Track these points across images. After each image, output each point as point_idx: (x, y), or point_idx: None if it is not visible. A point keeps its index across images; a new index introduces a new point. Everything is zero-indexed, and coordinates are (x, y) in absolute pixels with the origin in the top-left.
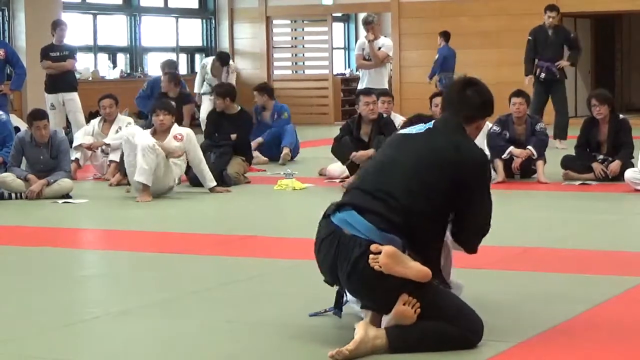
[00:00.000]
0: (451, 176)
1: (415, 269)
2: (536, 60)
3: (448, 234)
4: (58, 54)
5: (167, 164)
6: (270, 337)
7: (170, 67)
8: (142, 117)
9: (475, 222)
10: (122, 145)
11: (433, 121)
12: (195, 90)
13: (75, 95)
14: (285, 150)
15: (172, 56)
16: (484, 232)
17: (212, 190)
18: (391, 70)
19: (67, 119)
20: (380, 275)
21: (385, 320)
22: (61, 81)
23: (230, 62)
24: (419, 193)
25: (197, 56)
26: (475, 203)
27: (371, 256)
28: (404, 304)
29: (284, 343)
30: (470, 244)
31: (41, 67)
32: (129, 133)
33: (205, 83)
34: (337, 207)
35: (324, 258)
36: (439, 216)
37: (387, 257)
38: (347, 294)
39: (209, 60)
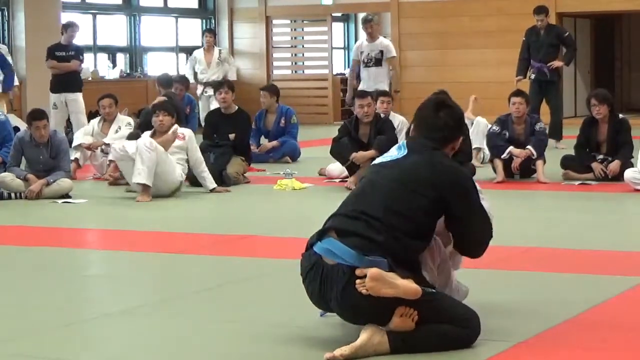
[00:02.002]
0: (429, 195)
1: (403, 287)
2: (531, 61)
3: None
4: (64, 53)
5: (169, 161)
6: (271, 337)
7: (165, 79)
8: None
9: (471, 236)
10: (116, 158)
11: (406, 143)
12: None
13: (79, 96)
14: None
15: (172, 56)
16: (485, 242)
17: (212, 190)
18: (391, 69)
19: (67, 119)
20: (371, 298)
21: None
22: (66, 81)
23: (222, 49)
24: (401, 213)
25: None
26: (465, 218)
27: (357, 281)
28: (401, 316)
29: (284, 343)
30: (472, 254)
31: (44, 67)
32: (119, 149)
33: (198, 85)
34: (319, 236)
35: (312, 290)
36: (422, 234)
37: (372, 279)
38: None
39: (199, 51)
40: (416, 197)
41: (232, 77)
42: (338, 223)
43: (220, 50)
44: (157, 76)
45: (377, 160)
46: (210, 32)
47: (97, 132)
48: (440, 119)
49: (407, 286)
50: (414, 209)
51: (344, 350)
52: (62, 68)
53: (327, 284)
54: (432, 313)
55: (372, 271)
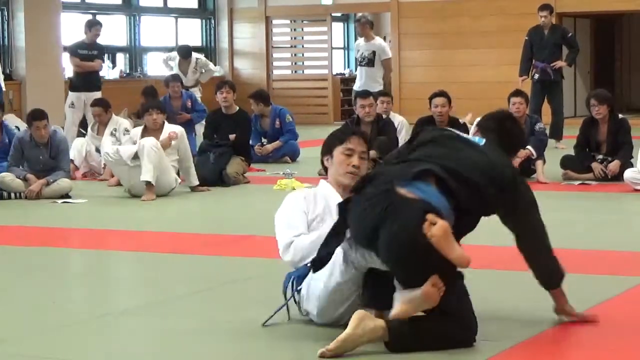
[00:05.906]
0: (499, 189)
1: (459, 252)
2: (534, 61)
3: None
4: (87, 52)
5: (166, 164)
6: (270, 336)
7: (150, 90)
8: (141, 117)
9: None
10: (110, 163)
11: (485, 140)
12: None
13: (99, 95)
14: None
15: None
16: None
17: (193, 189)
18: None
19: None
20: (427, 248)
21: (405, 297)
22: (88, 80)
23: (200, 57)
24: (474, 184)
25: None
26: (525, 215)
27: (426, 224)
28: (432, 285)
29: (283, 343)
30: (542, 248)
31: (44, 67)
32: (113, 153)
33: None
34: (415, 176)
35: (362, 215)
36: (480, 210)
37: (441, 229)
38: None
39: (174, 54)
40: (488, 183)
41: (203, 80)
42: (439, 170)
43: (197, 59)
44: (143, 88)
45: (456, 132)
46: (181, 52)
47: (92, 135)
48: (508, 128)
49: (462, 253)
50: (484, 189)
51: (330, 345)
52: (85, 68)
53: (392, 213)
54: (445, 300)
55: (444, 223)
